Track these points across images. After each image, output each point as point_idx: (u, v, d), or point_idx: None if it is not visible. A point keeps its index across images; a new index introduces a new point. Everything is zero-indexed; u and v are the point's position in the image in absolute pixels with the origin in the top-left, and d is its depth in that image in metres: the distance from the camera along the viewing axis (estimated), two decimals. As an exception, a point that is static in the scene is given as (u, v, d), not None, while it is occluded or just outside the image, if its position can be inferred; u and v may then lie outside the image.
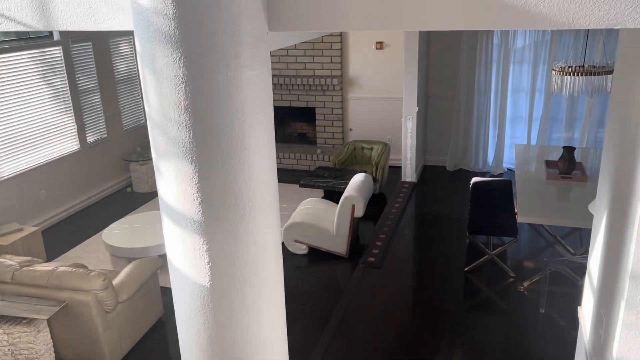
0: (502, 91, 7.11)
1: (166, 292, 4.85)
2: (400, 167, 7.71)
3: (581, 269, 4.18)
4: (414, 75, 6.73)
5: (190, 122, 1.81)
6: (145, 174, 7.51)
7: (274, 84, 8.25)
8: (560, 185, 4.94)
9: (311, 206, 5.87)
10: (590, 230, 5.70)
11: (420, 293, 4.66)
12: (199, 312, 2.05)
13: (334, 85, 7.98)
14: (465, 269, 4.98)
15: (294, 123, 8.67)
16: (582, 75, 4.57)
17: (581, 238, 5.56)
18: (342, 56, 7.93)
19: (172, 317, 4.50)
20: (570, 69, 4.61)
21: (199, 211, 1.91)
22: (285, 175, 7.75)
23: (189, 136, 1.83)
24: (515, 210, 5.58)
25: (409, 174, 7.20)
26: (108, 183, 7.57)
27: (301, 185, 6.38)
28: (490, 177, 7.20)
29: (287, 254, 5.44)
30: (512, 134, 7.36)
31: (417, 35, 6.57)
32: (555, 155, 5.75)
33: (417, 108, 6.86)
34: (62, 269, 3.91)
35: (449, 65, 7.41)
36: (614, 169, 2.16)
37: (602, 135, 6.97)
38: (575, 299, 4.45)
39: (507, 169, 7.53)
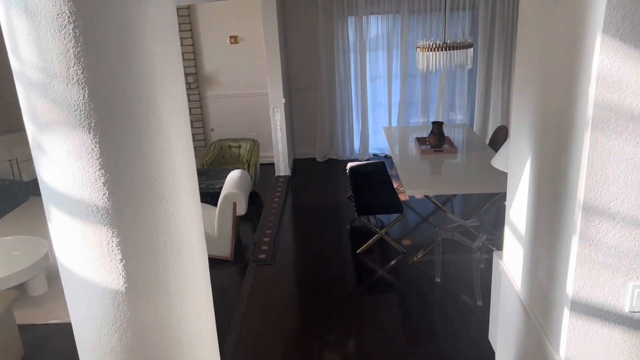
0: (362, 79, 7.25)
1: (25, 330, 4.05)
2: (268, 164, 7.49)
3: (471, 234, 4.34)
4: (277, 67, 6.56)
5: (83, 77, 1.39)
6: (-26, 199, 6.32)
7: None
8: (435, 158, 5.11)
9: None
10: (466, 195, 6.03)
11: (317, 282, 4.48)
12: (112, 325, 1.61)
13: (189, 83, 7.50)
14: (357, 251, 4.92)
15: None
16: (445, 50, 4.77)
17: (452, 206, 5.85)
18: (194, 52, 7.48)
19: (36, 356, 3.76)
20: (434, 45, 4.78)
21: (104, 194, 1.49)
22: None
23: (83, 95, 1.40)
24: (396, 188, 5.67)
25: (283, 168, 7.01)
26: None
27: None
28: (359, 163, 7.30)
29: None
30: (375, 120, 7.55)
31: (276, 27, 6.41)
32: (419, 134, 5.96)
33: (283, 100, 6.70)
34: None
35: (308, 57, 7.37)
36: (537, 110, 2.16)
37: (453, 115, 7.46)
38: (468, 265, 4.61)
39: (373, 154, 7.71)
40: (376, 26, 7.13)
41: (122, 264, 1.56)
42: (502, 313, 2.73)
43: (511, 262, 2.57)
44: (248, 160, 6.57)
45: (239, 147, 7.01)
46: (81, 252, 1.55)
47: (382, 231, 4.99)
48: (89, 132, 1.43)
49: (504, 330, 2.71)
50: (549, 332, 2.12)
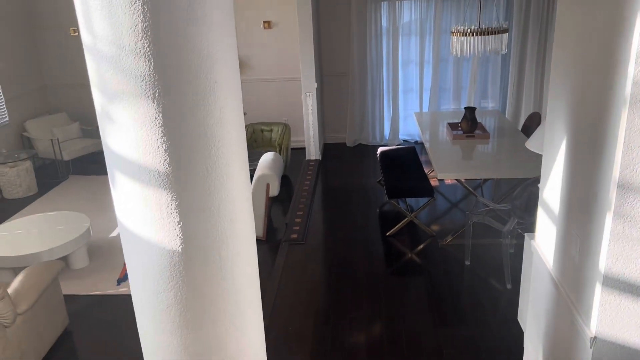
0: (394, 64, 7.28)
1: (70, 300, 4.27)
2: (299, 148, 7.60)
3: (501, 218, 4.38)
4: (310, 52, 6.64)
5: (149, 50, 1.50)
6: (17, 176, 6.60)
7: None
8: (466, 143, 5.14)
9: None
10: (497, 182, 6.05)
11: (347, 262, 4.59)
12: (168, 284, 1.74)
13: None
14: (387, 234, 5.00)
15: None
16: (479, 35, 4.77)
17: (482, 192, 5.87)
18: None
19: (80, 325, 3.97)
20: (468, 30, 4.79)
21: (165, 160, 1.61)
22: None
23: (149, 67, 1.52)
24: (427, 173, 5.72)
25: (314, 152, 7.12)
26: (-28, 191, 6.55)
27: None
28: (389, 149, 7.35)
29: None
30: (405, 106, 7.58)
31: (310, 12, 6.48)
32: (450, 120, 5.98)
33: (315, 85, 6.79)
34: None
35: (340, 42, 7.42)
36: (574, 91, 2.20)
37: (485, 102, 7.43)
38: (498, 249, 4.66)
39: (403, 140, 7.75)
40: (409, 11, 7.13)
41: (179, 226, 1.68)
42: (533, 293, 2.79)
43: (544, 241, 2.63)
44: (280, 143, 6.69)
45: (271, 130, 7.13)
46: (142, 215, 1.68)
47: (413, 214, 5.06)
48: (153, 102, 1.55)
49: (535, 309, 2.77)
50: (580, 308, 2.19)
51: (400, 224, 5.05)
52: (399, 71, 7.32)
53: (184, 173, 1.63)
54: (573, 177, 2.23)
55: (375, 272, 4.41)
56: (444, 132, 5.59)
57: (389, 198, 4.91)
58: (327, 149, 7.72)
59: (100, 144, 7.31)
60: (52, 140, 7.01)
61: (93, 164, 7.44)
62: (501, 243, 4.68)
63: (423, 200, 5.67)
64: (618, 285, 1.95)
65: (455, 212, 5.51)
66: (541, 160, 4.52)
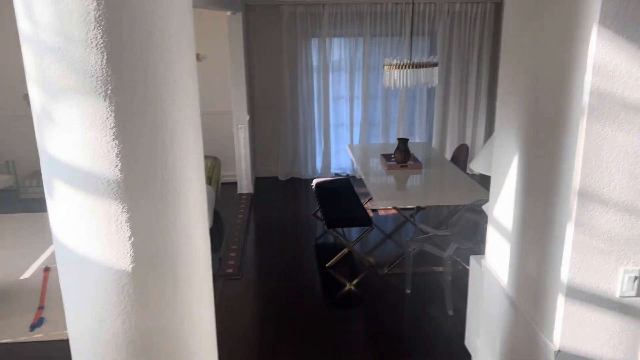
0: (325, 99, 7.35)
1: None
2: (230, 183, 7.40)
3: (440, 245, 4.40)
4: (242, 84, 6.55)
5: (102, 41, 1.35)
6: None
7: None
8: (401, 173, 5.21)
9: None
10: (429, 211, 6.13)
11: (286, 296, 4.41)
12: (115, 309, 1.53)
13: (148, 101, 7.35)
14: (327, 265, 4.89)
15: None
16: (411, 68, 4.91)
17: (415, 220, 5.95)
18: (155, 70, 7.36)
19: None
20: (401, 64, 4.92)
21: (116, 166, 1.43)
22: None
23: (101, 61, 1.36)
24: (364, 202, 5.72)
25: (246, 185, 6.94)
26: None
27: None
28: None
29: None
30: (337, 140, 7.64)
31: (242, 45, 6.43)
32: (382, 151, 6.06)
33: (247, 117, 6.68)
34: None
35: (272, 75, 7.41)
36: (526, 105, 2.25)
37: (412, 136, 7.64)
38: (435, 276, 4.67)
39: (335, 173, 7.77)
40: (339, 48, 7.28)
41: (130, 241, 1.49)
42: (486, 314, 2.77)
43: (496, 260, 2.63)
44: (210, 177, 6.47)
45: (201, 164, 6.89)
46: (86, 229, 1.47)
47: (351, 244, 5.00)
48: (105, 100, 1.38)
49: (489, 330, 2.75)
50: (540, 322, 2.17)
51: (340, 254, 4.96)
52: (329, 106, 7.39)
53: (137, 181, 1.46)
54: (528, 191, 2.25)
55: (314, 305, 4.26)
56: (377, 163, 5.64)
57: (328, 228, 4.83)
58: (260, 182, 7.57)
59: (8, 179, 6.74)
60: (-47, 175, 6.37)
61: None
62: (439, 270, 4.71)
63: (357, 233, 5.64)
64: (580, 295, 1.95)
65: (390, 243, 5.52)
66: (474, 188, 4.65)
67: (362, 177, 5.17)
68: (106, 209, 1.46)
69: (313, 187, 5.89)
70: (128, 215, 1.47)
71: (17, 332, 3.98)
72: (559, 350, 2.02)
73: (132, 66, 1.39)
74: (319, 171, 7.69)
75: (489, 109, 7.46)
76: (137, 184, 1.46)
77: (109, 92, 1.38)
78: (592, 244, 1.90)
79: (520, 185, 2.32)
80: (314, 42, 7.19)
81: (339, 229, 5.60)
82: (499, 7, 7.12)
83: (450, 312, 4.12)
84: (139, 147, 1.44)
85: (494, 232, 2.64)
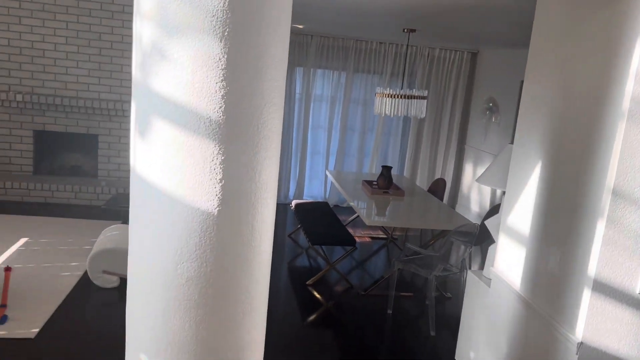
0: (304, 127, 7.48)
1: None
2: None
3: (425, 265, 4.50)
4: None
5: (227, -15, 1.41)
6: None
7: (46, 105, 7.00)
8: (383, 199, 5.34)
9: (119, 232, 5.06)
10: (409, 237, 6.25)
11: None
12: (194, 252, 1.53)
13: (123, 110, 7.25)
14: (307, 282, 4.88)
15: (65, 154, 7.47)
16: (403, 98, 5.14)
17: (401, 239, 6.06)
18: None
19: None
20: (393, 94, 5.15)
21: (220, 108, 1.47)
22: (61, 211, 6.53)
23: (224, 2, 1.42)
24: (345, 223, 5.78)
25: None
26: None
27: (106, 205, 5.50)
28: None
29: (92, 288, 4.51)
30: (312, 167, 7.74)
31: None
32: (361, 179, 6.20)
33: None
34: None
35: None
36: (553, 114, 2.44)
37: (384, 171, 7.85)
38: (417, 297, 4.75)
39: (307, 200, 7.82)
40: (322, 79, 7.49)
41: (220, 184, 1.50)
42: (491, 321, 2.87)
43: (508, 267, 2.76)
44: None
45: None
46: (181, 168, 1.48)
47: (333, 263, 5.03)
48: (221, 41, 1.43)
49: (492, 337, 2.85)
50: (560, 318, 2.29)
51: (321, 272, 4.98)
52: (308, 134, 7.52)
53: (236, 126, 1.49)
54: (552, 194, 2.41)
55: (294, 326, 4.23)
56: (358, 188, 5.76)
57: (312, 244, 4.86)
58: (230, 203, 7.49)
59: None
60: None
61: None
62: (427, 289, 4.81)
63: (336, 255, 5.68)
64: (605, 290, 2.09)
65: (367, 266, 5.58)
66: (454, 215, 4.85)
67: (347, 197, 5.26)
68: (204, 150, 1.48)
69: (292, 207, 5.92)
70: (223, 158, 1.50)
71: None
72: (581, 342, 2.14)
73: (252, 10, 1.45)
74: (291, 197, 7.72)
75: (459, 147, 7.81)
76: (235, 129, 1.50)
77: (225, 33, 1.43)
78: (620, 240, 2.06)
79: (543, 190, 2.48)
80: (299, 70, 7.37)
81: (320, 249, 5.62)
82: (474, 57, 7.58)
83: (433, 333, 4.19)
84: (243, 92, 1.48)
85: (507, 240, 2.78)
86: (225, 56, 1.44)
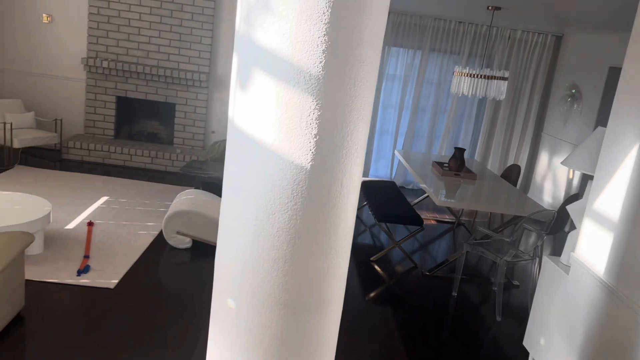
0: (375, 105, 7.43)
1: (28, 284, 3.78)
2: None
3: (499, 248, 4.41)
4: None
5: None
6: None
7: (129, 72, 7.32)
8: (453, 181, 5.24)
9: (194, 196, 5.24)
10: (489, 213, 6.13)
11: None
12: (287, 203, 1.56)
13: (200, 82, 7.44)
14: (371, 259, 4.90)
15: (144, 121, 7.79)
16: (482, 77, 4.99)
17: (454, 233, 5.96)
18: (211, 52, 7.49)
19: (34, 311, 3.49)
20: (473, 73, 5.00)
21: (321, 62, 1.48)
22: (139, 174, 6.83)
23: (331, -43, 1.41)
24: (412, 203, 5.74)
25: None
26: None
27: (182, 170, 5.71)
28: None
29: (166, 248, 4.71)
30: (379, 147, 7.69)
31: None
32: (431, 160, 6.11)
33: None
34: None
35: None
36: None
37: (453, 155, 7.69)
38: (484, 280, 4.67)
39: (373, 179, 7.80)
40: (396, 57, 7.39)
41: (315, 139, 1.53)
42: (569, 308, 2.78)
43: (591, 253, 2.65)
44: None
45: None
46: (278, 121, 1.51)
47: (399, 242, 5.01)
48: (325, -5, 1.44)
49: (568, 324, 2.76)
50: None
51: (386, 249, 4.97)
52: (378, 112, 7.47)
53: (334, 81, 1.50)
54: (647, 179, 2.29)
55: (354, 297, 4.26)
56: (427, 169, 5.68)
57: (378, 221, 4.85)
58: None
59: (53, 137, 6.80)
60: (4, 124, 6.43)
61: (41, 158, 6.88)
62: (487, 278, 4.72)
63: (401, 235, 5.65)
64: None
65: (431, 249, 5.52)
66: (527, 201, 4.69)
67: (416, 178, 5.20)
68: (301, 104, 1.50)
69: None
70: (319, 113, 1.51)
71: (63, 275, 4.00)
72: (671, 333, 2.04)
73: (356, -33, 1.44)
74: (358, 175, 7.72)
75: (535, 134, 7.53)
76: (333, 84, 1.51)
77: (330, -13, 1.44)
78: None
79: (638, 174, 2.35)
80: (373, 48, 7.30)
81: (385, 226, 5.61)
82: (558, 40, 7.24)
83: (499, 318, 4.11)
84: (344, 45, 1.49)
85: (592, 226, 2.67)
86: (330, 10, 1.45)
